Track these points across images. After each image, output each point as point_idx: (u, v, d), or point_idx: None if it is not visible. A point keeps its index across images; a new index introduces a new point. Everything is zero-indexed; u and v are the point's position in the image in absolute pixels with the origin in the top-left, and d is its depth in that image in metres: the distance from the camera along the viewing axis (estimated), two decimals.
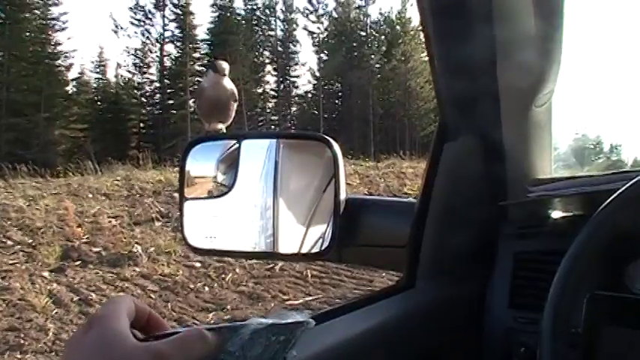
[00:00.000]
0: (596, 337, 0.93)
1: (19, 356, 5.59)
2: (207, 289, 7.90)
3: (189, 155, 1.28)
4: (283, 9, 40.41)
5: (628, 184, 0.96)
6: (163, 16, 35.68)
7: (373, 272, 8.30)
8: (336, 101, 42.48)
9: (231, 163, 1.27)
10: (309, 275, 8.36)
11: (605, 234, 0.95)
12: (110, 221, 10.39)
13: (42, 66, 31.35)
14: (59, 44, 32.96)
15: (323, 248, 1.19)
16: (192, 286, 7.95)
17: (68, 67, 34.10)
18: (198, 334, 0.59)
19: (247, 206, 1.28)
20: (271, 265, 8.69)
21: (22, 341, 5.88)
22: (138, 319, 0.61)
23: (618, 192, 0.95)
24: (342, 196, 1.22)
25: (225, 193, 1.26)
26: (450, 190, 1.23)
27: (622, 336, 0.95)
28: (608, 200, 0.95)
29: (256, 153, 1.30)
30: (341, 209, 1.20)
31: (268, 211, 1.26)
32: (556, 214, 1.28)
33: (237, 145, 1.27)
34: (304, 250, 1.25)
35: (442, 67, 1.17)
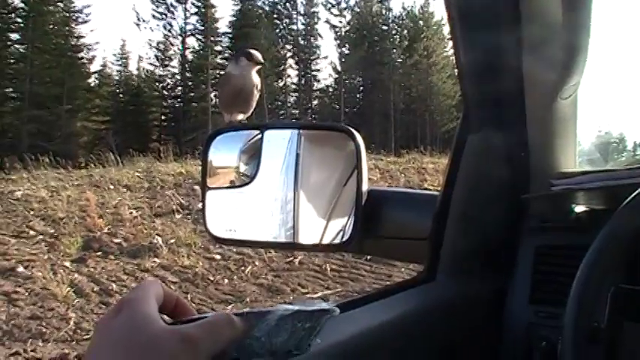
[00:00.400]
0: (618, 332, 0.92)
1: (41, 344, 5.66)
2: (226, 281, 7.94)
3: (212, 145, 1.28)
4: (304, 2, 40.38)
5: None
6: (185, 9, 35.87)
7: (392, 267, 8.29)
8: (357, 95, 42.43)
9: (253, 154, 1.28)
10: (328, 269, 8.36)
11: (629, 228, 0.94)
12: (131, 212, 10.47)
13: (65, 58, 31.62)
14: (82, 37, 33.32)
15: (344, 240, 1.19)
16: (211, 278, 7.99)
17: (91, 60, 34.46)
18: (226, 319, 0.60)
19: (269, 197, 1.28)
20: (290, 259, 8.71)
21: (44, 330, 5.94)
22: (166, 304, 0.62)
23: None
24: (365, 187, 1.22)
25: (248, 183, 1.26)
26: (473, 183, 1.22)
27: None
28: (633, 195, 0.94)
29: (278, 144, 1.30)
30: (363, 201, 1.20)
31: (289, 203, 1.26)
32: (579, 208, 1.27)
33: (259, 135, 1.27)
34: (325, 242, 1.25)
35: (467, 60, 1.16)
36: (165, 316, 0.61)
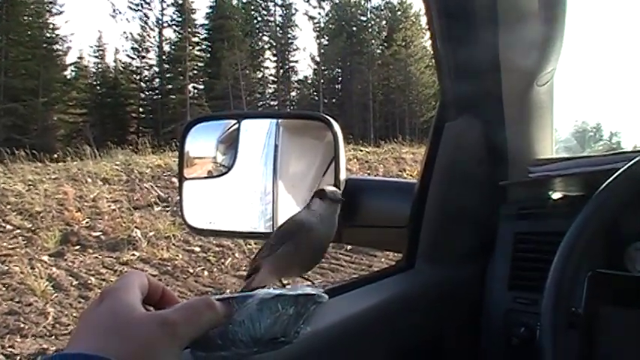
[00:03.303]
0: (596, 316, 0.92)
1: (19, 340, 5.60)
2: (206, 273, 7.91)
3: (189, 135, 1.27)
4: None
5: (628, 165, 0.95)
6: (162, 1, 35.52)
7: (372, 257, 8.32)
8: (337, 86, 42.36)
9: (230, 143, 1.27)
10: None
11: (605, 214, 0.94)
12: (109, 206, 10.39)
13: (40, 50, 31.17)
14: (57, 28, 32.80)
15: None
16: (191, 270, 7.96)
17: (66, 52, 33.96)
18: (206, 303, 0.59)
19: (247, 187, 1.28)
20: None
21: (22, 325, 5.88)
22: (151, 294, 0.62)
23: (618, 172, 0.95)
24: (343, 176, 1.21)
25: (225, 173, 1.26)
26: (451, 170, 1.22)
27: (622, 315, 0.94)
28: (608, 180, 0.94)
29: (256, 133, 1.29)
30: (341, 190, 1.19)
31: (268, 194, 1.26)
32: (557, 195, 1.28)
33: (236, 125, 1.26)
34: None
35: (444, 47, 1.16)
36: (151, 308, 0.60)
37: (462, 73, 1.17)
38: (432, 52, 1.22)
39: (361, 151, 16.90)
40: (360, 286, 1.04)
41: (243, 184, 1.26)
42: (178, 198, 1.28)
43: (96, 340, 0.51)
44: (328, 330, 0.84)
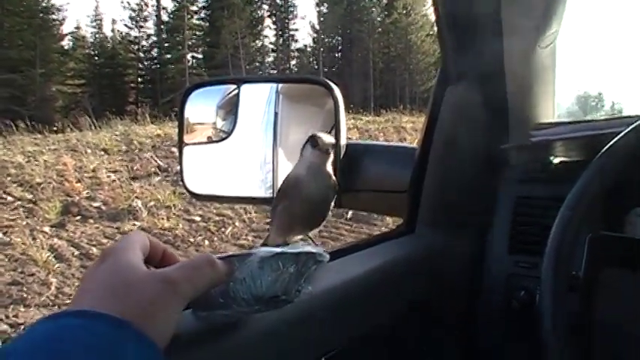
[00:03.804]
0: (596, 279, 0.93)
1: (22, 310, 5.64)
2: (207, 242, 7.94)
3: (188, 101, 1.26)
4: None
5: (628, 129, 0.94)
6: None
7: (372, 226, 8.34)
8: (336, 55, 42.14)
9: (230, 109, 1.26)
10: None
11: (605, 178, 0.94)
12: (109, 176, 10.40)
13: (36, 20, 30.95)
14: None
15: None
16: (192, 239, 7.98)
17: (62, 21, 33.67)
18: (207, 261, 0.59)
19: (247, 152, 1.27)
20: (270, 220, 8.70)
21: (25, 295, 5.92)
22: (153, 255, 0.62)
23: (619, 136, 0.94)
24: (343, 141, 1.21)
25: (225, 138, 1.25)
26: (452, 134, 1.22)
27: (622, 278, 0.95)
28: (609, 144, 0.94)
29: (256, 98, 1.29)
30: (341, 154, 1.19)
31: (268, 161, 1.25)
32: (558, 159, 1.27)
33: (236, 90, 1.26)
34: None
35: (446, 10, 1.14)
36: (152, 268, 0.60)
37: (463, 36, 1.16)
38: (433, 22, 1.20)
39: (361, 120, 16.89)
40: (361, 250, 1.05)
41: (243, 149, 1.26)
42: (178, 163, 1.27)
43: (98, 298, 0.52)
44: (329, 291, 0.84)
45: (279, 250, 0.62)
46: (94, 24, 37.73)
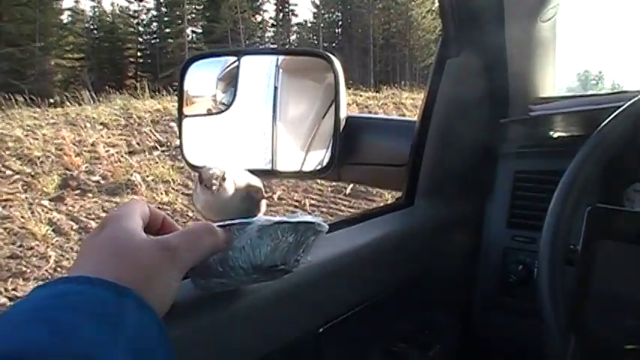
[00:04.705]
0: (593, 252, 0.93)
1: (21, 283, 5.67)
2: None
3: (188, 73, 1.26)
4: None
5: (627, 103, 0.94)
6: None
7: (371, 202, 8.36)
8: (337, 30, 41.87)
9: (230, 81, 1.25)
10: (307, 204, 8.40)
11: (604, 152, 0.94)
12: (108, 150, 10.37)
13: None
14: None
15: (323, 166, 1.19)
16: (190, 214, 7.99)
17: None
18: (206, 228, 0.59)
19: (246, 125, 1.27)
20: (269, 194, 8.72)
21: (24, 268, 5.95)
22: (152, 223, 0.62)
23: (618, 111, 0.94)
24: (343, 114, 1.20)
25: (224, 110, 1.25)
26: (452, 107, 1.21)
27: (620, 251, 0.95)
28: (608, 119, 0.94)
29: (256, 72, 1.28)
30: (341, 127, 1.19)
31: (267, 134, 1.25)
32: (557, 134, 1.28)
33: (236, 62, 1.25)
34: (304, 169, 1.25)
35: None
36: (151, 236, 0.60)
37: (465, 9, 1.15)
38: None
39: (361, 96, 16.80)
40: (360, 222, 1.05)
41: (243, 122, 1.25)
42: (178, 135, 1.27)
43: (98, 265, 0.52)
44: (328, 262, 0.85)
45: (277, 218, 0.62)
46: None
